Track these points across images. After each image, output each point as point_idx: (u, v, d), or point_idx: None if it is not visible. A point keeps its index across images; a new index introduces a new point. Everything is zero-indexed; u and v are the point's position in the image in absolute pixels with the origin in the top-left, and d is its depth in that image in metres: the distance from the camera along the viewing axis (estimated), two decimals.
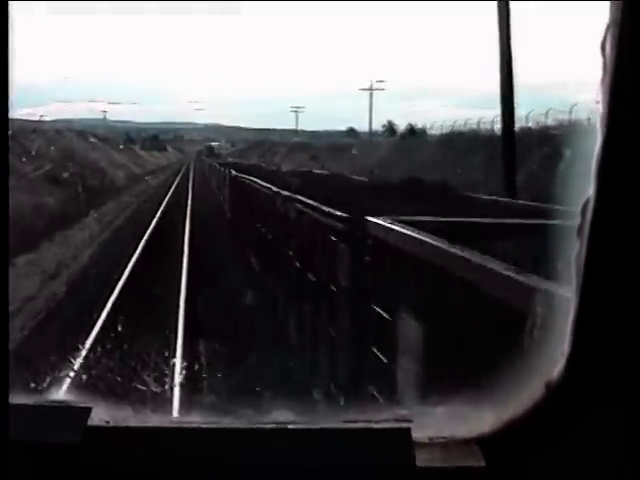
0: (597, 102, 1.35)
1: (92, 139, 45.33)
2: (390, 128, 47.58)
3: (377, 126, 50.99)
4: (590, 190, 1.37)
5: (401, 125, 46.75)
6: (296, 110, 60.19)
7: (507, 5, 10.42)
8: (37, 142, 30.61)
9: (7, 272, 1.53)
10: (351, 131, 55.47)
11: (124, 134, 58.96)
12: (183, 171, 57.60)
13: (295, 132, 59.76)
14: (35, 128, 33.45)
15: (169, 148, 71.96)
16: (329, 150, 44.57)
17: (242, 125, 70.35)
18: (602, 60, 1.34)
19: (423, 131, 39.40)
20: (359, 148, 42.14)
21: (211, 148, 70.04)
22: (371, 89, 48.99)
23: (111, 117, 57.37)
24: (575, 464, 1.47)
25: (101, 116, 56.05)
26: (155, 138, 66.37)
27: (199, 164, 62.55)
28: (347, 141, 48.93)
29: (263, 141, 62.71)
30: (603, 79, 1.34)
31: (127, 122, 61.53)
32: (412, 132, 41.19)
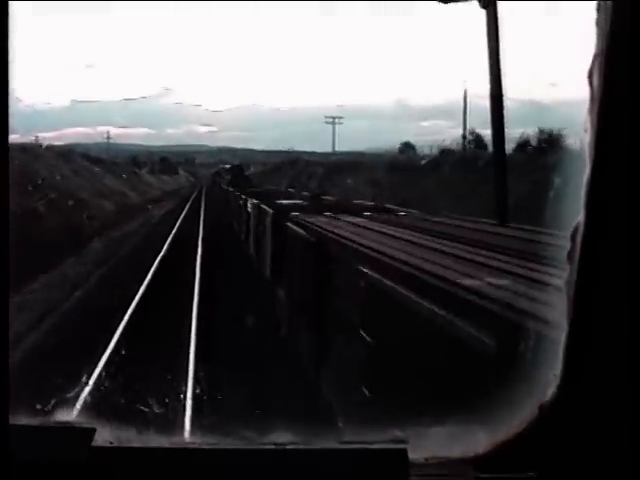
0: (585, 130, 1.38)
1: (80, 160, 35.80)
2: (477, 139, 32.28)
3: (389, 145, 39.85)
4: (580, 216, 1.40)
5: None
6: (332, 121, 48.67)
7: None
8: None
9: (7, 273, 1.53)
10: (406, 147, 40.98)
11: (131, 157, 58.20)
12: (191, 201, 44.23)
13: (333, 153, 47.61)
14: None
15: (181, 171, 71.13)
16: (391, 173, 30.70)
17: (256, 147, 68.89)
18: (589, 90, 1.37)
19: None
20: (446, 169, 28.40)
21: (240, 169, 47.55)
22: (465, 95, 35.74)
23: (121, 140, 56.91)
24: None
25: (107, 139, 54.04)
26: (164, 160, 65.41)
27: (216, 193, 45.88)
28: (408, 159, 35.59)
29: (295, 161, 49.31)
30: (591, 108, 1.38)
31: (137, 145, 61.57)
32: (549, 145, 25.15)
